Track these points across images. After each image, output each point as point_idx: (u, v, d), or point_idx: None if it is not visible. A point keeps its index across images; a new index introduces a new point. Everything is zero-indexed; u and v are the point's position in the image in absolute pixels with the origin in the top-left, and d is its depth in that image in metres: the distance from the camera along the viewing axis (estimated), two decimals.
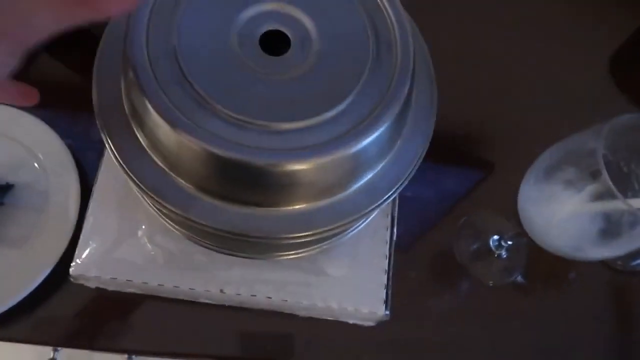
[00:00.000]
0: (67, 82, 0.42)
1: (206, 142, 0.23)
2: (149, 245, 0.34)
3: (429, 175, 0.42)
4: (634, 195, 0.29)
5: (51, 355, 0.65)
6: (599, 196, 0.25)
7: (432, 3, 0.50)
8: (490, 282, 0.40)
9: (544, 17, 0.51)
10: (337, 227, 0.26)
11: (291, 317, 0.36)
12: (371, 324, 0.36)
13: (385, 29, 0.26)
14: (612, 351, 0.39)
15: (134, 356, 0.53)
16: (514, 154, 0.44)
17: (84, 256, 0.33)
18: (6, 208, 0.37)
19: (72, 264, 0.33)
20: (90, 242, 0.33)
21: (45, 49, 0.42)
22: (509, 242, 0.40)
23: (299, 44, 0.25)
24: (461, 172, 0.43)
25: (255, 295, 0.34)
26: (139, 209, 0.33)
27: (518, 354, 0.38)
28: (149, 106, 0.23)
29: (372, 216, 0.34)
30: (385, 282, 0.34)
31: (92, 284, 0.35)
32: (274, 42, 0.25)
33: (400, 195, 0.36)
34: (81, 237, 0.33)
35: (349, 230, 0.33)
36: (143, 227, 0.34)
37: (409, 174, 0.27)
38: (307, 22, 0.26)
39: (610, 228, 0.27)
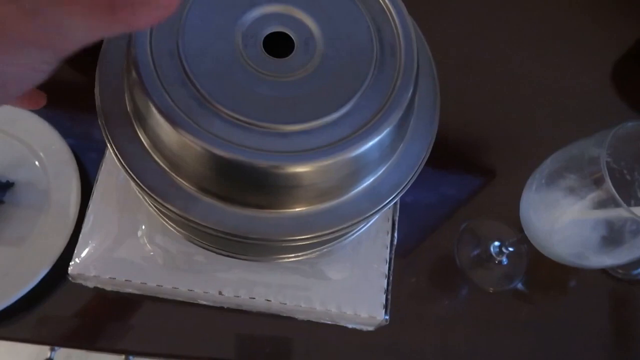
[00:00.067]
0: (70, 81, 0.42)
1: (208, 143, 0.22)
2: (148, 245, 0.33)
3: (430, 180, 0.42)
4: (637, 204, 0.29)
5: (48, 355, 0.65)
6: (602, 204, 0.25)
7: (437, 7, 0.50)
8: (491, 288, 0.40)
9: (549, 24, 0.51)
10: (337, 231, 0.25)
11: (290, 321, 0.36)
12: (370, 328, 0.36)
13: (390, 33, 0.26)
14: None
15: (131, 357, 0.53)
16: (516, 160, 0.44)
17: (83, 255, 0.33)
18: (6, 206, 0.37)
19: (70, 263, 0.33)
20: (90, 242, 0.33)
21: None
22: (510, 249, 0.40)
23: (303, 46, 0.25)
24: (463, 178, 0.43)
25: (254, 298, 0.33)
26: (139, 209, 0.33)
27: None
28: (152, 106, 0.23)
29: (373, 220, 0.34)
30: (385, 286, 0.34)
31: (91, 284, 0.35)
32: (278, 44, 0.25)
33: (401, 199, 0.36)
34: (80, 236, 0.33)
35: (350, 234, 0.33)
36: (143, 227, 0.34)
37: (410, 179, 0.26)
38: (311, 24, 0.26)
39: (612, 236, 0.26)
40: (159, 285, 0.33)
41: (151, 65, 0.23)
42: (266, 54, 0.25)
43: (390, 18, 0.27)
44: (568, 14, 0.52)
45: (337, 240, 0.33)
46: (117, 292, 0.35)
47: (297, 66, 0.25)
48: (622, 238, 0.26)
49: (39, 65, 0.16)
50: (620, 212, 0.24)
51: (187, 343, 0.36)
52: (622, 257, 0.27)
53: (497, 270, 0.40)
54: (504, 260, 0.40)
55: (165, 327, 0.36)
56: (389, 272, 0.35)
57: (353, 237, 0.34)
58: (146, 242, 0.33)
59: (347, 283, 0.34)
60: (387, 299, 0.34)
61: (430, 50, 0.30)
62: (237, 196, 0.25)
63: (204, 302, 0.35)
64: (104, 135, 0.25)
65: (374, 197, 0.26)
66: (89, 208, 0.34)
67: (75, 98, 0.36)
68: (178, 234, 0.32)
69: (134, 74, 0.23)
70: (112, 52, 0.27)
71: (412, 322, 0.38)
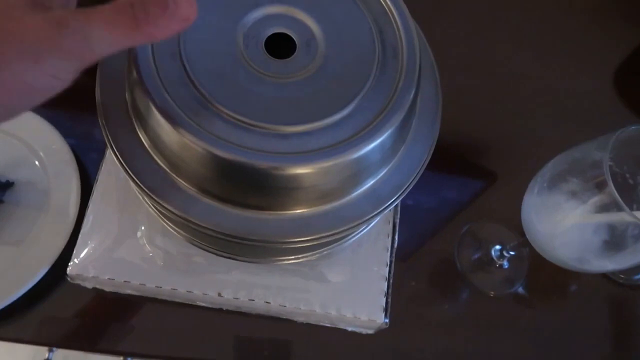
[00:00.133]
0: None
1: (208, 144, 0.22)
2: (148, 246, 0.33)
3: (431, 183, 0.42)
4: None
5: (46, 356, 0.64)
6: (604, 208, 0.25)
7: (438, 9, 0.50)
8: (491, 292, 0.39)
9: (551, 27, 0.51)
10: (338, 233, 0.25)
11: (289, 323, 0.36)
12: (370, 332, 0.36)
13: (392, 34, 0.26)
14: None
15: (129, 358, 0.52)
16: (517, 163, 0.44)
17: (82, 256, 0.33)
18: (6, 206, 0.37)
19: (69, 264, 0.33)
20: (89, 242, 0.33)
21: None
22: (511, 253, 0.40)
23: (305, 47, 0.25)
24: (464, 181, 0.43)
25: (253, 300, 0.33)
26: (139, 209, 0.33)
27: None
28: (152, 106, 0.23)
29: (373, 223, 0.34)
30: (385, 289, 0.34)
31: (90, 285, 0.35)
32: (280, 45, 0.25)
33: (402, 202, 0.36)
34: (80, 236, 0.33)
35: (350, 237, 0.33)
36: (142, 228, 0.33)
37: (412, 181, 0.26)
38: (313, 25, 0.26)
39: (614, 240, 0.26)
40: (158, 287, 0.33)
41: (152, 65, 0.23)
42: (268, 55, 0.25)
43: (392, 19, 0.27)
44: (570, 17, 0.52)
45: (338, 243, 0.32)
46: (116, 293, 0.35)
47: (298, 67, 0.25)
48: (624, 242, 0.26)
49: (64, 74, 0.17)
50: (623, 217, 0.24)
51: (185, 345, 0.35)
52: (624, 262, 0.27)
53: (498, 274, 0.40)
54: (505, 263, 0.40)
55: (164, 328, 0.35)
56: (389, 275, 0.34)
57: (353, 239, 0.34)
58: (146, 243, 0.33)
59: (347, 286, 0.34)
60: (387, 302, 0.34)
61: (433, 53, 0.30)
62: (237, 197, 0.25)
63: (203, 304, 0.35)
64: (104, 135, 0.25)
65: (374, 200, 0.26)
66: (89, 208, 0.34)
67: (75, 98, 0.36)
68: (178, 235, 0.32)
69: (134, 74, 0.23)
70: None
71: (412, 325, 0.37)
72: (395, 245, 0.36)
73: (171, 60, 0.24)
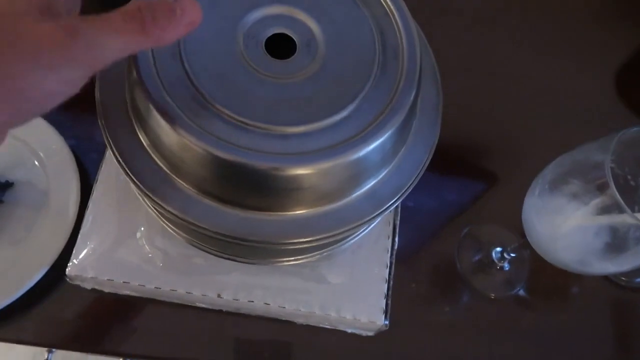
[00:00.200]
0: None
1: (208, 144, 0.22)
2: (147, 247, 0.33)
3: (431, 185, 0.42)
4: None
5: (45, 356, 0.64)
6: (605, 209, 0.25)
7: (440, 11, 0.50)
8: (492, 294, 0.39)
9: (552, 28, 0.51)
10: (338, 234, 0.25)
11: (289, 325, 0.35)
12: (370, 333, 0.36)
13: (392, 35, 0.26)
14: None
15: None
16: (518, 165, 0.43)
17: (81, 256, 0.33)
18: (5, 206, 0.37)
19: (68, 264, 0.33)
20: (88, 243, 0.33)
21: None
22: (512, 255, 0.40)
23: (305, 48, 0.25)
24: (464, 183, 0.43)
25: (252, 301, 0.33)
26: (138, 210, 0.33)
27: None
28: (152, 107, 0.23)
29: (373, 224, 0.34)
30: (385, 291, 0.34)
31: (89, 285, 0.34)
32: (280, 45, 0.25)
33: (402, 204, 0.36)
34: (79, 237, 0.33)
35: (350, 238, 0.33)
36: (142, 228, 0.33)
37: (412, 182, 0.26)
38: (313, 26, 0.26)
39: (615, 242, 0.26)
40: (157, 288, 0.33)
41: (152, 65, 0.23)
42: (268, 56, 0.25)
43: (393, 20, 0.27)
44: (571, 17, 0.51)
45: (338, 244, 0.32)
46: (115, 294, 0.35)
47: (298, 68, 0.25)
48: (626, 244, 0.26)
49: (76, 80, 0.18)
50: (625, 219, 0.24)
51: (185, 346, 0.35)
52: (626, 264, 0.27)
53: (499, 276, 0.40)
54: (506, 265, 0.40)
55: (163, 330, 0.35)
56: (389, 277, 0.34)
57: (353, 240, 0.34)
58: (145, 243, 0.33)
59: (347, 287, 0.34)
60: (387, 304, 0.34)
61: (434, 54, 0.30)
62: (237, 198, 0.24)
63: (203, 305, 0.35)
64: (103, 135, 0.25)
65: (375, 201, 0.25)
66: (88, 208, 0.34)
67: (75, 98, 0.36)
68: (177, 236, 0.32)
69: (134, 74, 0.23)
70: None
71: (412, 327, 0.37)
72: (396, 246, 0.35)
73: (171, 60, 0.24)
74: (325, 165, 0.23)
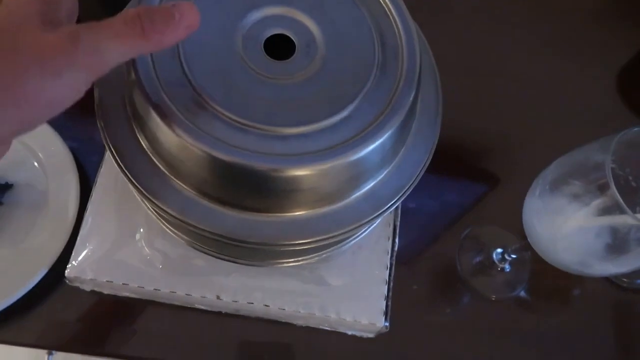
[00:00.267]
0: None
1: (207, 146, 0.22)
2: (146, 249, 0.33)
3: (432, 186, 0.42)
4: None
5: (45, 359, 0.64)
6: (606, 210, 0.25)
7: (440, 11, 0.50)
8: (493, 296, 0.39)
9: (552, 29, 0.51)
10: (337, 235, 0.25)
11: (289, 327, 0.35)
12: (370, 335, 0.35)
13: (392, 36, 0.26)
14: None
15: None
16: (519, 166, 0.43)
17: (80, 258, 0.33)
18: (5, 207, 0.37)
19: (68, 266, 0.33)
20: (88, 244, 0.33)
21: None
22: (513, 256, 0.39)
23: (304, 49, 0.25)
24: (465, 184, 0.43)
25: (252, 303, 0.33)
26: (138, 211, 0.33)
27: None
28: (150, 108, 0.23)
29: (373, 225, 0.34)
30: (386, 293, 0.34)
31: (88, 287, 0.34)
32: (279, 46, 0.25)
33: (402, 205, 0.36)
34: (78, 238, 0.33)
35: (350, 239, 0.33)
36: (141, 230, 0.33)
37: (412, 183, 0.26)
38: (312, 26, 0.26)
39: (617, 244, 0.26)
40: (156, 289, 0.33)
41: (151, 66, 0.23)
42: (267, 56, 0.25)
43: (392, 21, 0.27)
44: (572, 18, 0.51)
45: (337, 245, 0.32)
46: (115, 296, 0.35)
47: (298, 69, 0.25)
48: (627, 246, 0.26)
49: (79, 86, 0.18)
50: (626, 219, 0.24)
51: (184, 348, 0.35)
52: (627, 265, 0.27)
53: (500, 278, 0.40)
54: (507, 267, 0.40)
55: (162, 332, 0.35)
56: (389, 279, 0.34)
57: (353, 242, 0.34)
58: (144, 245, 0.33)
59: (347, 289, 0.34)
60: (387, 306, 0.34)
61: (434, 54, 0.30)
62: (236, 199, 0.24)
63: (202, 307, 0.35)
64: (102, 137, 0.25)
65: (374, 202, 0.25)
66: (88, 210, 0.34)
67: (77, 100, 0.36)
68: (177, 237, 0.32)
69: (133, 75, 0.23)
70: None
71: (412, 329, 0.37)
72: (396, 248, 0.35)
73: (170, 61, 0.24)
74: (325, 166, 0.23)
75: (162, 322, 0.35)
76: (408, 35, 0.26)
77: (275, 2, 0.26)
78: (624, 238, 0.25)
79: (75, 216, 0.36)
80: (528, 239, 0.31)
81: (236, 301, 0.33)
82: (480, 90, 0.46)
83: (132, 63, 0.23)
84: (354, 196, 0.25)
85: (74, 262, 0.33)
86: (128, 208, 0.33)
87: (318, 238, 0.25)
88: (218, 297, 0.33)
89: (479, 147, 0.45)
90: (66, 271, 0.33)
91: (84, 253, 0.33)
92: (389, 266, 0.34)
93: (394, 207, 0.26)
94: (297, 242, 0.25)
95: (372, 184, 0.25)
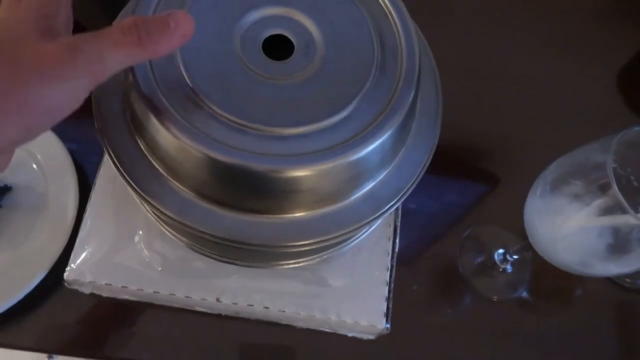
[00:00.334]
0: None
1: (206, 147, 0.22)
2: (145, 251, 0.33)
3: (432, 186, 0.42)
4: None
5: None
6: (608, 210, 0.25)
7: (440, 12, 0.50)
8: (495, 297, 0.39)
9: (552, 29, 0.51)
10: (337, 236, 0.25)
11: (289, 329, 0.35)
12: (371, 337, 0.35)
13: (391, 36, 0.26)
14: None
15: None
16: (520, 166, 0.43)
17: (79, 261, 0.33)
18: (4, 210, 0.37)
19: (66, 269, 0.33)
20: (86, 247, 0.33)
21: None
22: (515, 256, 0.39)
23: (303, 49, 0.25)
24: (466, 184, 0.43)
25: (252, 305, 0.33)
26: (137, 213, 0.33)
27: None
28: (148, 109, 0.23)
29: (374, 226, 0.34)
30: (387, 294, 0.34)
31: (87, 290, 0.34)
32: (278, 47, 0.25)
33: (403, 206, 0.36)
34: (77, 241, 0.33)
35: (350, 240, 0.33)
36: (140, 232, 0.33)
37: (412, 184, 0.26)
38: (311, 27, 0.26)
39: (618, 244, 0.26)
40: (155, 292, 0.33)
41: (148, 68, 0.23)
42: (265, 57, 0.25)
43: (391, 21, 0.27)
44: (572, 18, 0.51)
45: (338, 247, 0.32)
46: (114, 299, 0.35)
47: (297, 69, 0.25)
48: (629, 246, 0.26)
49: (79, 94, 0.19)
50: (627, 219, 0.24)
51: (184, 351, 0.35)
52: (629, 266, 0.27)
53: (501, 278, 0.40)
54: (508, 267, 0.40)
55: (161, 334, 0.35)
56: (390, 280, 0.34)
57: (354, 243, 0.33)
58: (143, 247, 0.33)
59: (348, 290, 0.34)
60: (388, 307, 0.33)
61: (433, 55, 0.30)
62: (235, 201, 0.24)
63: (202, 309, 0.35)
64: (100, 139, 0.25)
65: (374, 202, 0.25)
66: (87, 212, 0.34)
67: None
68: (176, 239, 0.32)
69: (131, 77, 0.23)
70: None
71: (413, 331, 0.37)
72: (397, 249, 0.35)
73: (168, 62, 0.24)
74: (324, 166, 0.23)
75: (161, 324, 0.35)
76: (407, 35, 0.26)
77: (274, 2, 0.26)
78: (625, 238, 0.25)
79: (75, 218, 0.35)
80: (529, 239, 0.31)
81: (236, 303, 0.33)
82: (480, 92, 0.46)
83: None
84: (353, 197, 0.25)
85: (72, 265, 0.33)
86: (127, 210, 0.33)
87: (318, 239, 0.25)
88: (218, 300, 0.33)
89: (480, 148, 0.45)
90: (65, 274, 0.33)
91: (82, 256, 0.33)
92: (389, 267, 0.34)
93: (394, 207, 0.26)
94: (296, 243, 0.25)
95: (372, 185, 0.25)
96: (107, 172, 0.34)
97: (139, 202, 0.31)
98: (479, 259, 0.40)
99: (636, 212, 0.24)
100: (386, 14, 0.27)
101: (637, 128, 0.25)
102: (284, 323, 0.35)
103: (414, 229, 0.40)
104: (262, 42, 0.25)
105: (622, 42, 0.50)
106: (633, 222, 0.24)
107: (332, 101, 0.24)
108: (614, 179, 0.24)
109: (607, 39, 0.50)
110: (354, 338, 0.35)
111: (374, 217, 0.25)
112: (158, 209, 0.24)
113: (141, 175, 0.25)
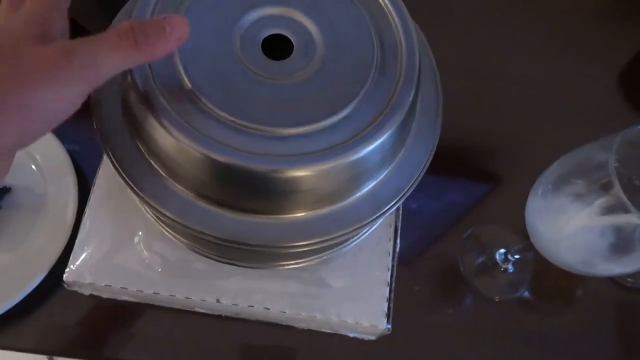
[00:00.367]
0: None
1: (205, 147, 0.22)
2: (145, 252, 0.33)
3: (434, 186, 0.42)
4: None
5: None
6: (610, 210, 0.25)
7: (440, 12, 0.50)
8: (496, 297, 0.39)
9: (553, 29, 0.51)
10: (338, 237, 0.25)
11: (290, 329, 0.35)
12: (372, 338, 0.35)
13: (391, 35, 0.26)
14: None
15: None
16: (521, 165, 0.43)
17: (78, 262, 0.32)
18: (3, 211, 0.37)
19: (66, 270, 0.32)
20: (86, 248, 0.33)
21: None
22: (516, 256, 0.39)
23: (302, 49, 0.25)
24: (467, 184, 0.43)
25: (252, 306, 0.33)
26: (136, 214, 0.33)
27: None
28: (147, 110, 0.23)
29: (374, 226, 0.34)
30: (387, 294, 0.33)
31: (87, 291, 0.34)
32: (277, 46, 0.25)
33: (404, 206, 0.36)
34: (76, 242, 0.33)
35: (351, 241, 0.33)
36: (140, 233, 0.33)
37: (412, 184, 0.26)
38: (311, 26, 0.25)
39: (620, 243, 0.26)
40: (155, 293, 0.33)
41: (147, 68, 0.23)
42: (265, 57, 0.25)
43: (391, 20, 0.26)
44: (572, 18, 0.51)
45: (338, 247, 0.32)
46: (114, 300, 0.34)
47: (296, 69, 0.25)
48: (631, 245, 0.26)
49: (77, 97, 0.19)
50: (630, 219, 0.24)
51: (184, 352, 0.35)
52: (631, 265, 0.27)
53: (503, 278, 0.40)
54: (510, 267, 0.40)
55: (161, 335, 0.35)
56: (391, 280, 0.34)
57: (354, 243, 0.33)
58: (143, 248, 0.33)
59: (349, 291, 0.33)
60: (389, 308, 0.33)
61: (434, 54, 0.29)
62: (235, 201, 0.24)
63: (202, 310, 0.34)
64: (99, 139, 0.25)
65: (375, 202, 0.25)
66: (86, 213, 0.34)
67: None
68: (176, 240, 0.31)
69: (129, 78, 0.23)
70: None
71: (415, 331, 0.37)
72: (397, 249, 0.35)
73: (166, 63, 0.23)
74: (324, 166, 0.23)
75: (161, 325, 0.35)
76: (407, 34, 0.26)
77: (273, 2, 0.26)
78: (628, 237, 0.25)
79: (74, 219, 0.35)
80: (530, 239, 0.31)
81: (236, 304, 0.33)
82: (481, 92, 0.46)
83: None
84: (354, 197, 0.25)
85: (72, 266, 0.32)
86: (126, 211, 0.33)
87: (318, 239, 0.25)
88: (218, 300, 0.33)
89: (481, 148, 0.45)
90: (64, 275, 0.32)
91: (82, 257, 0.33)
92: (390, 268, 0.34)
93: (395, 207, 0.26)
94: (297, 243, 0.25)
95: (372, 185, 0.25)
96: (107, 173, 0.34)
97: (138, 203, 0.31)
98: (480, 259, 0.40)
99: (639, 211, 0.23)
100: (386, 13, 0.27)
101: (639, 127, 0.25)
102: (284, 324, 0.35)
103: (415, 229, 0.40)
104: (261, 42, 0.25)
105: (622, 42, 0.50)
106: (636, 221, 0.24)
107: (332, 101, 0.24)
108: (616, 178, 0.24)
109: (607, 39, 0.50)
110: (355, 339, 0.35)
111: (374, 217, 0.25)
112: (158, 210, 0.24)
113: (140, 176, 0.24)
